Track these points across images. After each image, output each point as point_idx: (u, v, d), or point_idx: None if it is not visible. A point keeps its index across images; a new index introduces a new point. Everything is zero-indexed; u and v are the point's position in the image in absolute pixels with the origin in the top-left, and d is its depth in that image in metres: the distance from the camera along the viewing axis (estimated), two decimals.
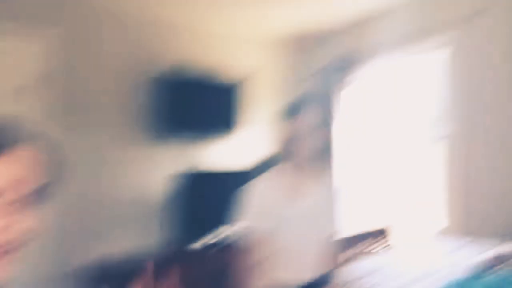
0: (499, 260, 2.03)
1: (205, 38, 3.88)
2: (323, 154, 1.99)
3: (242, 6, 3.47)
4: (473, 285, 1.80)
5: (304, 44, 4.44)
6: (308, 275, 1.86)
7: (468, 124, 3.29)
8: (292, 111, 1.85)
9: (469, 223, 3.26)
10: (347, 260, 2.95)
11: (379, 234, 3.33)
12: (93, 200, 3.12)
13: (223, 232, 3.35)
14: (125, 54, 3.39)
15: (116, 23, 3.36)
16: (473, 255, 2.42)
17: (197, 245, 3.37)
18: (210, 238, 3.37)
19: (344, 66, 3.95)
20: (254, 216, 1.79)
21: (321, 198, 1.91)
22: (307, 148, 1.81)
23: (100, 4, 3.25)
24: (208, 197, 3.35)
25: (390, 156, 3.96)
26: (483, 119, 3.20)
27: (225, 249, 3.19)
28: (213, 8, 3.46)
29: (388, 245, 3.32)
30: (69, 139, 2.95)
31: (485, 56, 3.18)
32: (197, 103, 3.56)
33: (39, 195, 0.82)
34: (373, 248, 3.25)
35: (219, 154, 3.84)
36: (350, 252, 2.97)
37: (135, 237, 3.28)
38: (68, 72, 3.06)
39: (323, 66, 4.14)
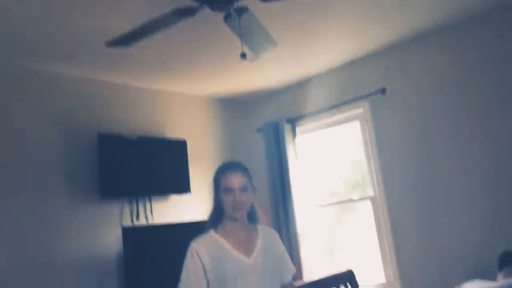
0: None
1: (148, 95, 4.01)
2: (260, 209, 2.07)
3: (187, 66, 3.66)
4: None
5: (245, 103, 4.74)
6: None
7: (388, 186, 3.69)
8: (229, 168, 1.94)
9: (403, 278, 3.55)
10: None
11: (345, 277, 3.35)
12: (40, 263, 3.02)
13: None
14: (67, 113, 3.40)
15: (60, 83, 3.41)
16: None
17: None
18: None
19: (283, 124, 4.27)
20: (208, 273, 1.78)
21: (271, 250, 1.94)
22: (243, 203, 1.87)
23: (35, 67, 3.25)
24: (161, 250, 3.34)
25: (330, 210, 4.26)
26: (400, 181, 3.62)
27: None
28: (155, 67, 3.56)
29: (355, 286, 3.36)
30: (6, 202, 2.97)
31: (398, 127, 3.67)
32: (142, 160, 3.63)
33: None
34: None
35: (169, 210, 3.86)
36: None
37: None
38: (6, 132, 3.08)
39: (264, 123, 4.43)
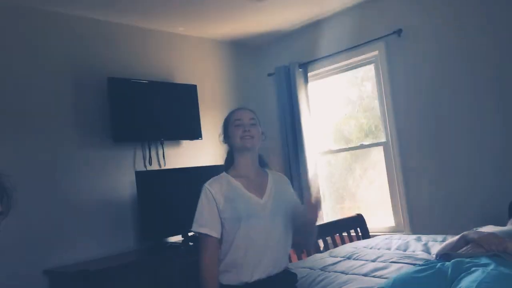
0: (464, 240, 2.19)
1: (157, 38, 3.89)
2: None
3: (196, 9, 3.55)
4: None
5: (256, 46, 4.64)
6: (283, 265, 1.89)
7: (401, 131, 3.63)
8: (238, 108, 1.99)
9: (413, 223, 3.57)
10: (323, 247, 3.12)
11: (354, 221, 3.41)
12: (55, 206, 3.09)
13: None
14: (77, 56, 3.35)
15: (69, 24, 3.35)
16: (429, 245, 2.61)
17: (171, 239, 3.51)
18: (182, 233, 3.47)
19: (295, 69, 4.17)
20: (223, 212, 1.81)
21: (282, 194, 1.96)
22: (253, 134, 1.89)
23: (45, 8, 3.19)
24: (175, 193, 3.42)
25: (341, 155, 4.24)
26: (413, 127, 3.55)
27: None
28: (165, 9, 3.49)
29: (364, 231, 3.46)
30: (23, 144, 3.00)
31: (413, 70, 3.55)
32: (153, 105, 3.60)
33: None
34: (349, 234, 3.32)
35: (181, 155, 3.88)
36: (326, 239, 3.08)
37: (108, 235, 3.30)
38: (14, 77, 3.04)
39: (276, 67, 4.35)
